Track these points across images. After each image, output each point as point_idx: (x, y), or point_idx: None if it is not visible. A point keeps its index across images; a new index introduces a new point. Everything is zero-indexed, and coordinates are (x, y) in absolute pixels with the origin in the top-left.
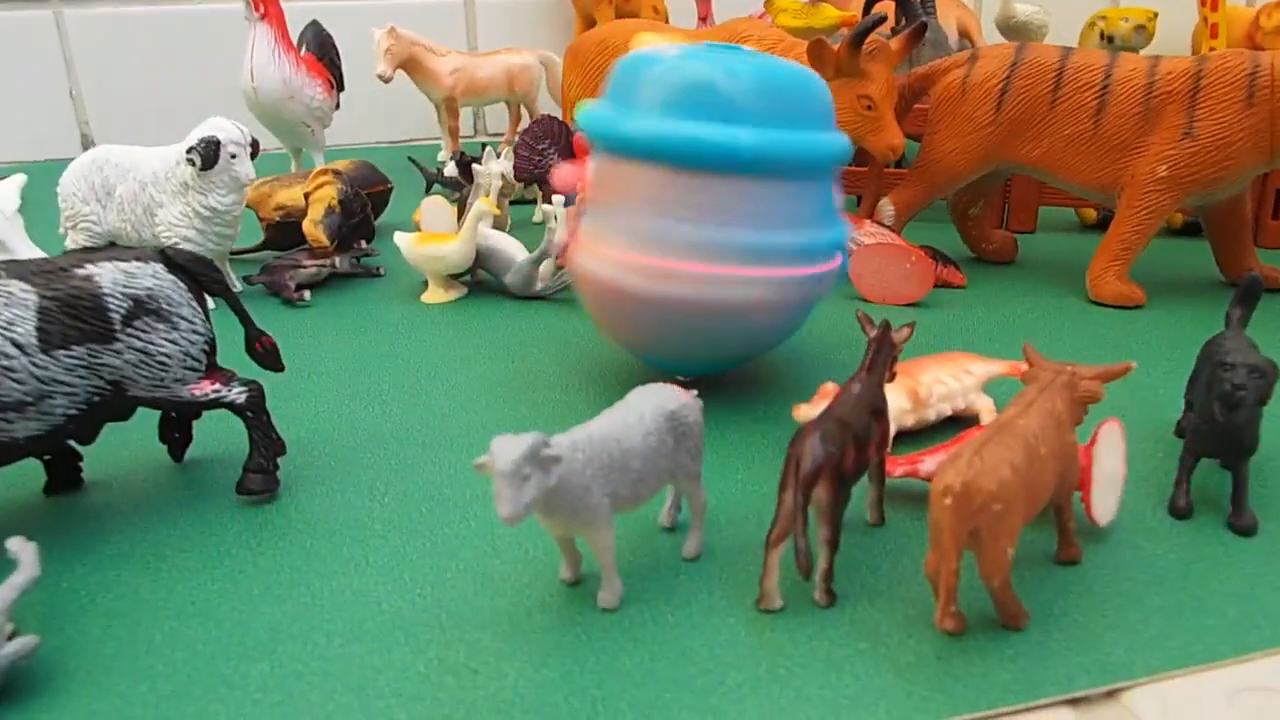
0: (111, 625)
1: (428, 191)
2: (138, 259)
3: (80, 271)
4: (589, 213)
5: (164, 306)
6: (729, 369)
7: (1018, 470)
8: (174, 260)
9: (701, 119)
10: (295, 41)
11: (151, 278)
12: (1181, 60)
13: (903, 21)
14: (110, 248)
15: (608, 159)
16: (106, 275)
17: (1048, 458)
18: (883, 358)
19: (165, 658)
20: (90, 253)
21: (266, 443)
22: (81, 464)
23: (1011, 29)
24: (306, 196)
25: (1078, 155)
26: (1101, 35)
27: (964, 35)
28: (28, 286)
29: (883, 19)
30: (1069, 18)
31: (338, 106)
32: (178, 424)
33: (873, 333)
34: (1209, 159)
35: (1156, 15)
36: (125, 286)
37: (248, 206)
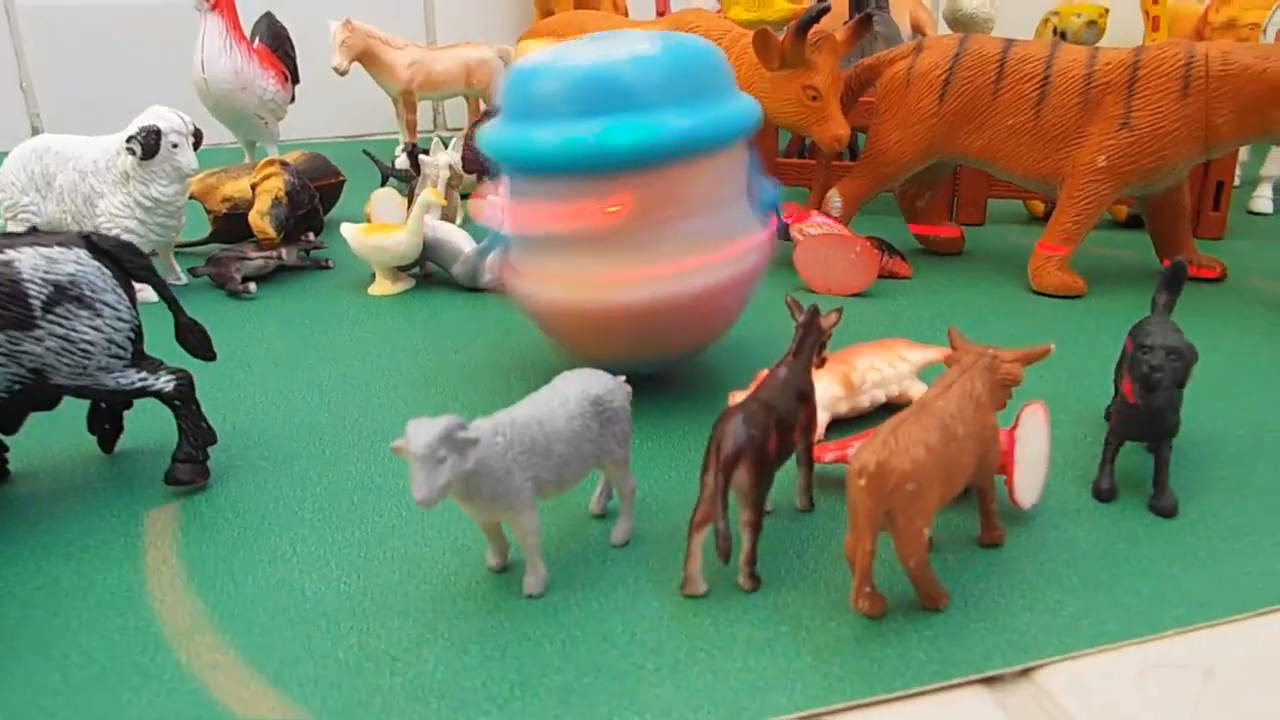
0: (28, 615)
1: (383, 185)
2: (60, 244)
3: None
4: (515, 240)
5: (86, 293)
6: (684, 362)
7: (933, 450)
8: (98, 246)
9: (604, 115)
10: (249, 33)
11: (74, 263)
12: (1119, 51)
13: (854, 14)
14: (32, 233)
15: (520, 180)
16: (26, 261)
17: (965, 439)
18: (810, 342)
19: (80, 647)
20: (10, 238)
21: (196, 432)
22: (8, 455)
23: (959, 20)
24: (253, 188)
25: (1019, 145)
26: (1055, 31)
27: (917, 29)
28: None
29: (826, 9)
30: (1022, 14)
31: (292, 99)
32: (108, 415)
33: (801, 317)
34: (1146, 149)
35: (1107, 11)
36: (46, 272)
37: (194, 198)
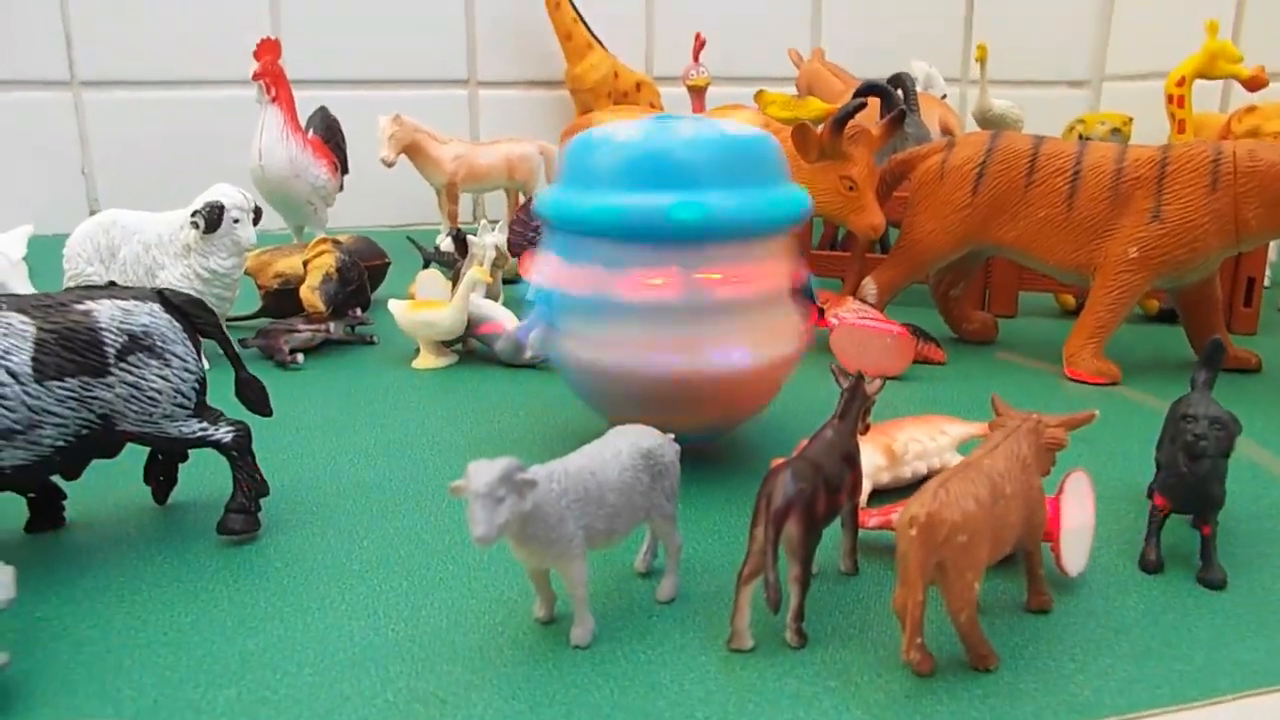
0: (81, 651)
1: (424, 269)
2: (136, 298)
3: (79, 306)
4: (562, 303)
5: (158, 343)
6: (715, 438)
7: (982, 504)
8: (170, 301)
9: (658, 189)
10: (304, 124)
11: (148, 315)
12: (1148, 148)
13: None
14: (109, 286)
15: (568, 241)
16: (104, 311)
17: (1013, 497)
18: (855, 406)
19: (133, 682)
20: (90, 290)
21: (250, 483)
22: (65, 502)
23: (988, 120)
24: (305, 264)
25: (1052, 237)
26: (1080, 138)
27: (946, 131)
28: (26, 319)
29: (863, 104)
30: (1047, 124)
31: (341, 188)
32: (163, 467)
33: (845, 382)
34: (1177, 240)
35: (1131, 120)
36: (122, 322)
37: (247, 274)
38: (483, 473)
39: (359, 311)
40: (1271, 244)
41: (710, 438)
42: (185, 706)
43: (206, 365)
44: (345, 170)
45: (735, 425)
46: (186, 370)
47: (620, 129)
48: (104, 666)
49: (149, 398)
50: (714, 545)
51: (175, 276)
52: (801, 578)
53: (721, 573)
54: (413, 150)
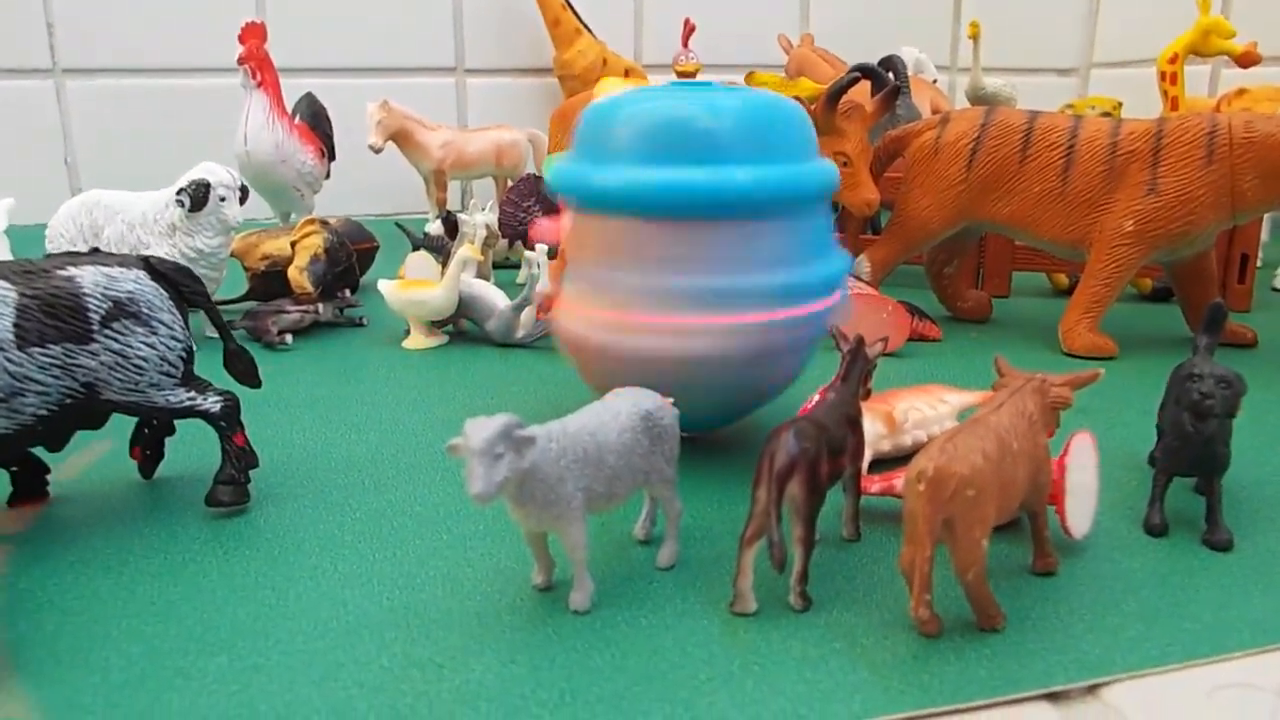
0: (67, 622)
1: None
2: (120, 264)
3: (62, 273)
4: (569, 273)
5: (144, 310)
6: (733, 421)
7: (989, 458)
8: (156, 269)
9: (677, 163)
10: (290, 111)
11: (133, 282)
12: (1143, 122)
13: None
14: (94, 252)
15: (581, 214)
16: (88, 277)
17: (1019, 454)
18: (857, 369)
19: (120, 651)
20: (74, 255)
21: (239, 454)
22: (49, 475)
23: (981, 99)
24: (293, 245)
25: (1047, 212)
26: None
27: (937, 114)
28: (8, 285)
29: (857, 78)
30: (1035, 106)
31: (328, 175)
32: (149, 440)
33: (846, 345)
34: (1173, 214)
35: (1121, 105)
36: (106, 288)
37: (234, 256)
38: (481, 429)
39: (348, 293)
40: (1265, 222)
41: (719, 422)
42: (175, 674)
43: (194, 345)
44: (332, 156)
45: (748, 410)
46: (173, 338)
47: (641, 95)
48: (91, 637)
49: (135, 366)
50: (714, 511)
51: (160, 256)
52: (805, 539)
53: (722, 539)
54: (401, 137)
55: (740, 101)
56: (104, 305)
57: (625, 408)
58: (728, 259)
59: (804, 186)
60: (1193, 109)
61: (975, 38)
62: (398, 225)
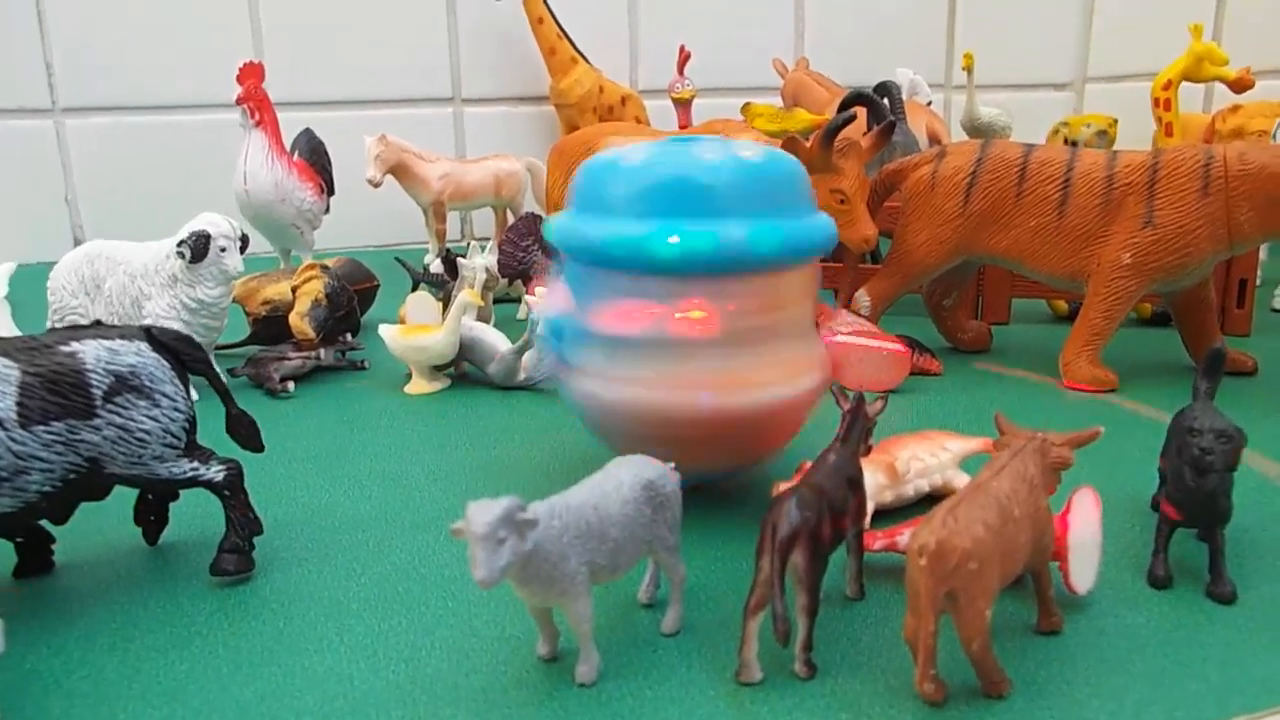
0: (73, 705)
1: (414, 291)
2: (122, 336)
3: (64, 348)
4: (578, 337)
5: (146, 383)
6: (739, 473)
7: (991, 529)
8: (158, 339)
9: (675, 218)
10: (288, 147)
11: (135, 355)
12: (1138, 154)
13: (874, 126)
14: (95, 325)
15: (580, 270)
16: (90, 352)
17: (1021, 519)
18: (857, 429)
19: None
20: (75, 330)
21: (243, 522)
22: (54, 546)
23: (976, 129)
24: (294, 290)
25: (1044, 245)
26: (1065, 140)
27: (934, 140)
28: (10, 362)
29: (853, 117)
30: (1031, 126)
31: (327, 210)
32: (153, 507)
33: (846, 405)
34: (1170, 246)
35: (1117, 121)
36: (108, 363)
37: (235, 301)
38: (483, 514)
39: (349, 337)
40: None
41: (723, 475)
42: None
43: (196, 396)
44: (331, 192)
45: (754, 464)
46: (176, 410)
47: (641, 152)
48: (95, 719)
49: (138, 439)
50: (718, 571)
51: (162, 307)
52: (809, 607)
53: (727, 600)
54: (399, 170)
55: (736, 161)
56: (106, 380)
57: (627, 478)
58: (739, 315)
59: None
60: (1187, 126)
61: (969, 69)
62: (398, 260)
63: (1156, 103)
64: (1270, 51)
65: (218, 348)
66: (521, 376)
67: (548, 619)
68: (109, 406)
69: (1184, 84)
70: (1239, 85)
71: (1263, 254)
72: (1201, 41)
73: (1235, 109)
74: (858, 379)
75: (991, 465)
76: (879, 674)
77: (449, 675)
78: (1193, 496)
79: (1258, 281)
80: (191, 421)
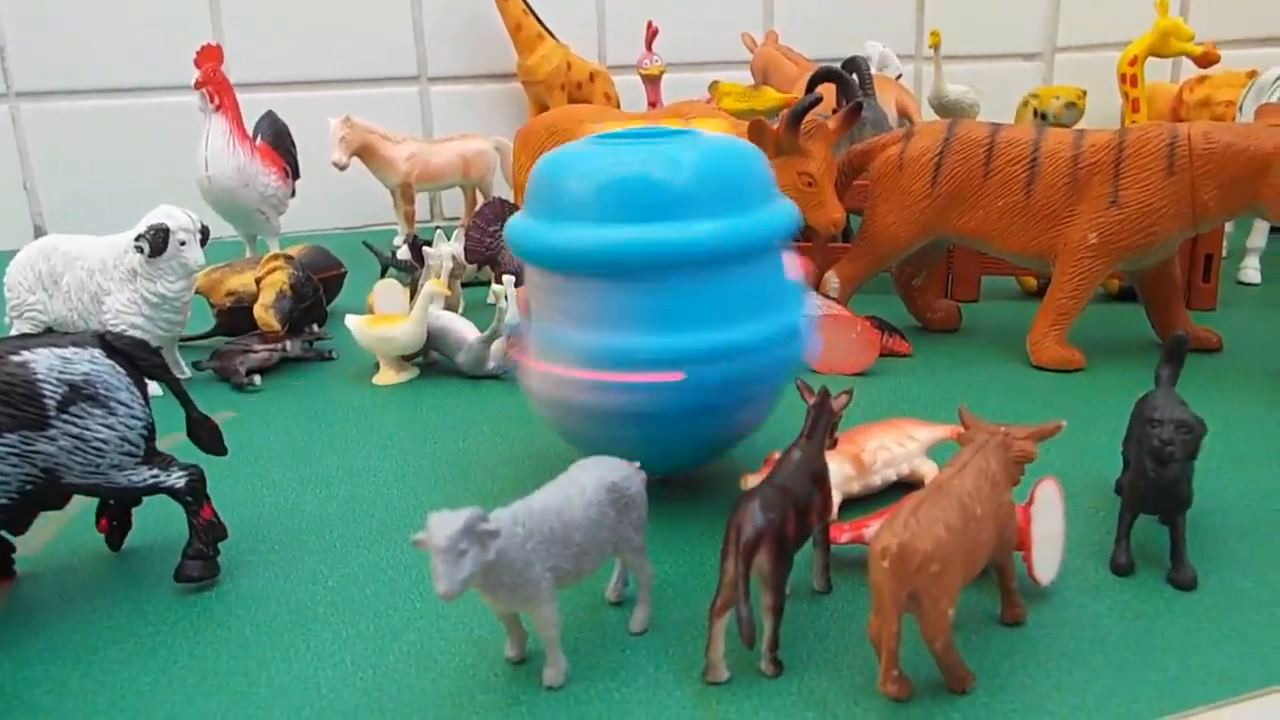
0: None
1: (382, 275)
2: (75, 344)
3: (15, 358)
4: (531, 327)
5: (101, 392)
6: (701, 464)
7: (953, 530)
8: (112, 345)
9: (631, 220)
10: (251, 131)
11: (89, 363)
12: (1104, 133)
13: (843, 102)
14: (47, 334)
15: (536, 271)
16: (42, 361)
17: (984, 518)
18: (822, 424)
19: None
20: (26, 339)
21: (207, 528)
22: (14, 554)
23: (944, 107)
24: (258, 281)
25: (1011, 225)
26: (1035, 113)
27: (903, 115)
28: None
29: (819, 99)
30: (1001, 98)
31: (293, 194)
32: (116, 511)
33: (811, 400)
34: (1136, 225)
35: (1085, 93)
36: (61, 372)
37: (199, 293)
38: (444, 526)
39: (316, 327)
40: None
41: (688, 469)
42: None
43: (159, 392)
44: (296, 176)
45: (719, 455)
46: (133, 417)
47: (593, 149)
48: None
49: (94, 449)
50: (686, 568)
51: (122, 302)
52: (775, 606)
53: (695, 597)
54: (365, 152)
55: (697, 154)
56: (60, 390)
57: (590, 482)
58: (683, 314)
59: (763, 235)
60: (1155, 96)
61: (936, 46)
62: (365, 245)
63: (1123, 79)
64: (1235, 23)
65: (182, 339)
66: (490, 365)
67: (515, 621)
68: (64, 417)
69: (1150, 59)
70: (1204, 60)
71: (1228, 226)
72: (1167, 17)
73: (1202, 79)
74: (827, 360)
75: (954, 462)
76: (845, 670)
77: (416, 681)
78: (1153, 486)
79: (1223, 254)
80: (150, 428)
